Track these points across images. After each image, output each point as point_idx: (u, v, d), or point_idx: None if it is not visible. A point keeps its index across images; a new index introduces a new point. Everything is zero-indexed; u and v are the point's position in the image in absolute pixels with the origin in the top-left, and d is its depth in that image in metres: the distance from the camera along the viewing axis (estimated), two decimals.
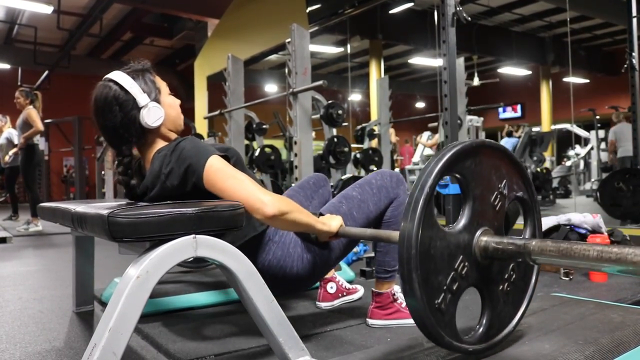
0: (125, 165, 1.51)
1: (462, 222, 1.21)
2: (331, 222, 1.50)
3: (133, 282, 1.11)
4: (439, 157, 1.15)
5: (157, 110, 1.45)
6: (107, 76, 1.47)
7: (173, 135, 1.52)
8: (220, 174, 1.35)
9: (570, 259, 1.05)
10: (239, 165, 1.50)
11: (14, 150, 5.62)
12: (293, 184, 2.03)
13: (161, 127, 1.48)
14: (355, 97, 12.08)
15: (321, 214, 1.55)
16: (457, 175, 1.21)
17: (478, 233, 1.22)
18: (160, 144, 1.49)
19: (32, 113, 5.46)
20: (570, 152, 9.60)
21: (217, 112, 5.59)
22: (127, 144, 1.48)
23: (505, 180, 1.30)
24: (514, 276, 1.33)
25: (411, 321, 1.76)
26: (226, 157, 1.42)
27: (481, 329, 1.27)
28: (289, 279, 1.56)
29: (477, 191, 1.24)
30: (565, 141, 10.04)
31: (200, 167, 1.35)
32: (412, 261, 1.07)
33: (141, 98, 1.43)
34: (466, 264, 1.19)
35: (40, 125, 5.48)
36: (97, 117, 1.46)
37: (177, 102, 1.56)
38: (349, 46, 9.88)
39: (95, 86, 1.47)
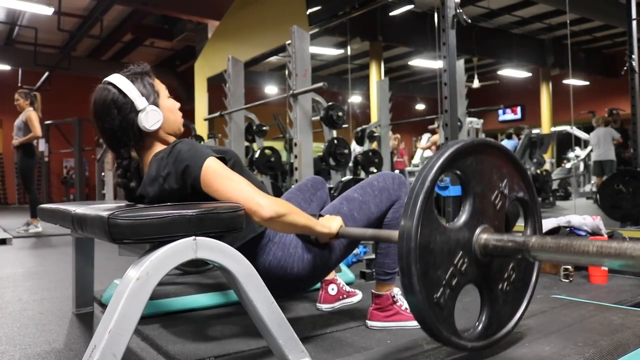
0: (124, 167, 1.51)
1: (462, 218, 1.22)
2: (331, 224, 1.50)
3: (133, 283, 1.11)
4: (441, 153, 1.16)
5: (156, 113, 1.45)
6: (106, 79, 1.48)
7: (172, 139, 1.52)
8: (216, 175, 1.35)
9: (570, 254, 1.05)
10: (237, 167, 1.50)
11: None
12: (293, 186, 2.04)
13: (159, 130, 1.48)
14: (355, 99, 12.09)
15: (321, 216, 1.56)
16: (458, 172, 1.22)
17: (478, 230, 1.22)
18: (158, 147, 1.49)
19: (33, 116, 5.45)
20: (570, 154, 9.60)
21: (217, 114, 5.59)
22: (126, 146, 1.48)
23: (506, 180, 1.30)
24: (513, 276, 1.33)
25: (411, 323, 1.77)
26: (223, 159, 1.42)
27: (480, 327, 1.27)
28: (289, 280, 1.56)
29: (478, 189, 1.24)
30: (565, 143, 10.04)
31: (197, 168, 1.34)
32: (412, 254, 1.07)
33: (139, 101, 1.43)
34: (466, 260, 1.20)
35: (39, 131, 5.48)
36: (96, 120, 1.47)
37: (177, 105, 1.56)
38: (349, 48, 9.89)
39: (95, 89, 1.48)
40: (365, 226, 1.69)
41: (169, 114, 1.51)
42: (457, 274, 1.18)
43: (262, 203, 1.32)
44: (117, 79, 1.45)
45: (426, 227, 1.10)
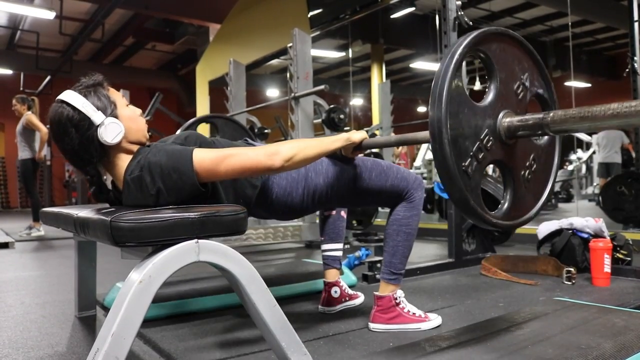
0: (96, 184, 1.48)
1: (488, 99, 1.30)
2: (352, 134, 1.58)
3: (136, 286, 1.12)
4: (468, 35, 1.24)
5: (115, 126, 1.37)
6: (58, 97, 1.41)
7: (136, 147, 1.44)
8: (214, 161, 1.33)
9: (589, 121, 1.13)
10: (204, 144, 1.49)
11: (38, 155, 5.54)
12: None
13: (122, 141, 1.40)
14: (356, 101, 12.08)
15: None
16: (484, 54, 1.30)
17: (502, 114, 1.30)
18: (124, 158, 1.40)
19: (32, 118, 5.47)
20: (572, 156, 9.59)
21: None
22: (90, 164, 1.42)
23: (527, 74, 1.39)
24: (534, 166, 1.42)
25: (413, 326, 1.77)
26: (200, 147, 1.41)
27: (504, 207, 1.35)
28: (297, 203, 1.65)
29: (502, 75, 1.32)
30: (567, 145, 10.02)
31: (190, 172, 1.30)
32: (443, 119, 1.16)
33: (96, 116, 1.36)
34: (491, 139, 1.28)
35: (44, 128, 5.49)
36: (56, 141, 1.40)
37: (137, 111, 1.48)
38: (350, 50, 9.89)
39: (50, 108, 1.41)
40: (374, 190, 1.73)
41: (129, 123, 1.42)
42: (484, 149, 1.26)
43: (269, 157, 1.35)
44: (69, 96, 1.38)
45: (455, 98, 1.19)
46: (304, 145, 1.42)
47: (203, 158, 1.32)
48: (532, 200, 1.43)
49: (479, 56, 1.31)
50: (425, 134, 1.31)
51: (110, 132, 1.36)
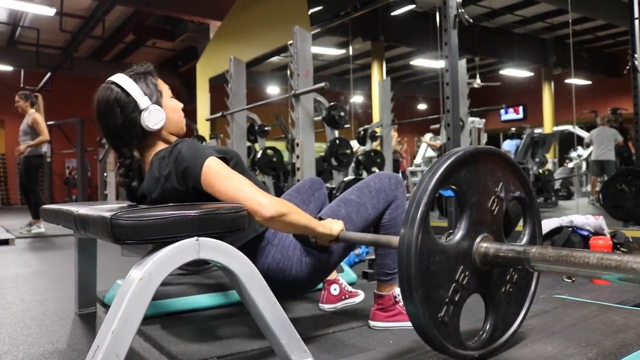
0: (126, 167, 1.52)
1: (460, 232, 1.21)
2: (332, 226, 1.50)
3: (136, 284, 1.12)
4: (433, 172, 1.14)
5: (158, 112, 1.45)
6: (109, 79, 1.48)
7: (174, 138, 1.53)
8: (217, 175, 1.35)
9: (570, 266, 1.05)
10: (238, 167, 1.51)
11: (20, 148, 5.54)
12: (290, 188, 2.04)
13: (162, 130, 1.49)
14: (357, 99, 12.07)
15: (321, 218, 1.55)
16: (453, 187, 1.20)
17: (477, 240, 1.22)
18: (160, 146, 1.49)
19: (39, 119, 5.43)
20: (573, 154, 9.58)
21: (219, 114, 5.59)
22: (128, 146, 1.49)
23: (501, 183, 1.29)
24: (515, 276, 1.33)
25: None
26: (224, 159, 1.42)
27: (485, 334, 1.28)
28: (288, 283, 1.56)
29: (474, 199, 1.23)
30: (567, 143, 10.01)
31: (198, 168, 1.34)
32: (412, 281, 1.07)
33: (142, 101, 1.44)
34: (467, 273, 1.19)
35: (47, 135, 5.47)
36: (99, 119, 1.48)
37: (180, 105, 1.56)
38: (350, 48, 9.88)
39: (98, 88, 1.48)
40: (363, 227, 1.69)
41: (171, 113, 1.51)
42: (460, 289, 1.18)
43: (263, 202, 1.31)
44: (121, 79, 1.46)
45: (425, 249, 1.10)
46: (297, 211, 1.40)
47: (212, 166, 1.35)
48: (514, 311, 1.35)
49: (450, 189, 1.21)
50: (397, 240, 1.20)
51: (153, 117, 1.44)
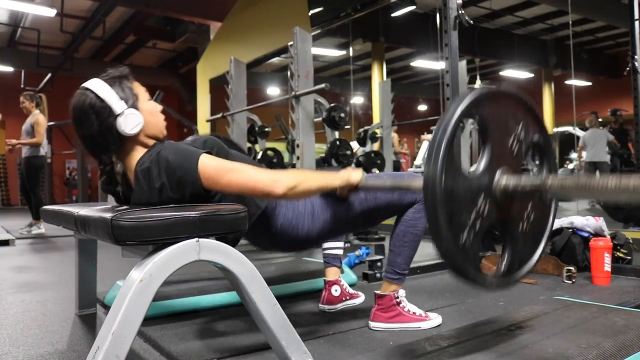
0: (107, 174, 1.49)
1: (482, 164, 1.26)
2: (350, 174, 1.53)
3: (136, 285, 1.12)
4: (459, 100, 1.20)
5: (135, 117, 1.41)
6: (83, 84, 1.45)
7: (152, 142, 1.47)
8: (218, 171, 1.34)
9: (589, 192, 1.09)
10: (222, 154, 1.50)
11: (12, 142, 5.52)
12: None
13: (140, 134, 1.44)
14: (357, 100, 12.07)
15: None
16: (477, 119, 1.26)
17: (497, 174, 1.27)
18: (140, 151, 1.44)
19: (41, 121, 5.41)
20: (573, 155, 9.58)
21: (219, 115, 5.59)
22: (106, 152, 1.45)
23: (521, 124, 1.35)
24: (532, 216, 1.38)
25: (413, 325, 1.78)
26: (210, 153, 1.41)
27: (503, 266, 1.32)
28: (301, 237, 1.61)
29: (496, 134, 1.29)
30: (568, 144, 10.01)
31: (194, 172, 1.32)
32: (437, 201, 1.12)
33: (118, 105, 1.40)
34: (487, 203, 1.25)
35: (41, 139, 5.43)
36: (76, 126, 1.44)
37: (158, 107, 1.52)
38: (351, 49, 9.88)
39: (73, 95, 1.45)
40: (383, 206, 1.71)
41: (149, 116, 1.46)
42: (480, 217, 1.22)
43: (272, 182, 1.33)
44: (94, 84, 1.42)
45: (449, 175, 1.15)
46: (306, 177, 1.42)
47: (208, 164, 1.34)
48: (530, 248, 1.39)
49: (473, 119, 1.28)
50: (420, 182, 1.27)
51: (129, 122, 1.40)
